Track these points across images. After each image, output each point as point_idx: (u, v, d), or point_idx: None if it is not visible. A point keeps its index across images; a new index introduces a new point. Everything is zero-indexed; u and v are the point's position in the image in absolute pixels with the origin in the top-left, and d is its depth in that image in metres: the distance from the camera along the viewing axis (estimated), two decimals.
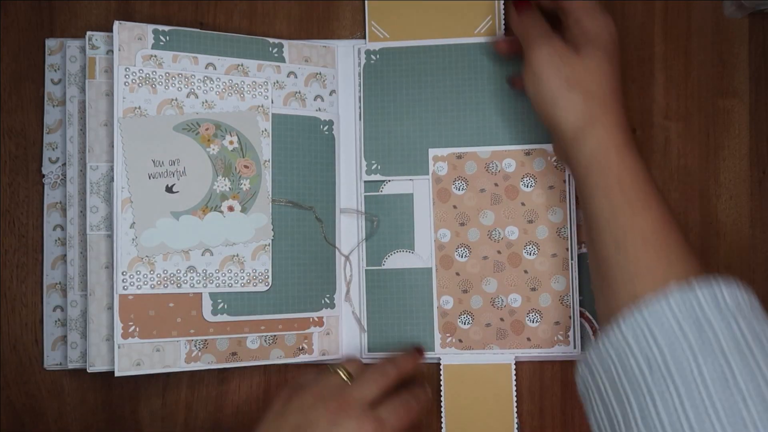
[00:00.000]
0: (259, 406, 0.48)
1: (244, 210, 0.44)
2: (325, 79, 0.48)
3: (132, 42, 0.43)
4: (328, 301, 0.47)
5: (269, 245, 0.45)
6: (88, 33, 0.44)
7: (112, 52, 0.44)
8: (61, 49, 0.47)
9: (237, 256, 0.44)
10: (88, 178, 0.44)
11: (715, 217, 0.48)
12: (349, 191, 0.48)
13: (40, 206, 0.47)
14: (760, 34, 0.48)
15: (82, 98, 0.45)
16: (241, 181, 0.45)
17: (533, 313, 0.46)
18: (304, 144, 0.47)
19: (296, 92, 0.47)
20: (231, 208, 0.44)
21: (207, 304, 0.44)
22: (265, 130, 0.45)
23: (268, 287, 0.45)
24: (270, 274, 0.45)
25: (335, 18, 0.49)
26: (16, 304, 0.46)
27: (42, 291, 0.46)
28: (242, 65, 0.45)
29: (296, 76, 0.47)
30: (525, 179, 0.47)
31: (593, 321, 0.48)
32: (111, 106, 0.44)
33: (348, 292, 0.48)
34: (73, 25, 0.47)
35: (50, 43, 0.47)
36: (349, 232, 0.48)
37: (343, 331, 0.48)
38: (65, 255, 0.46)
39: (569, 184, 0.46)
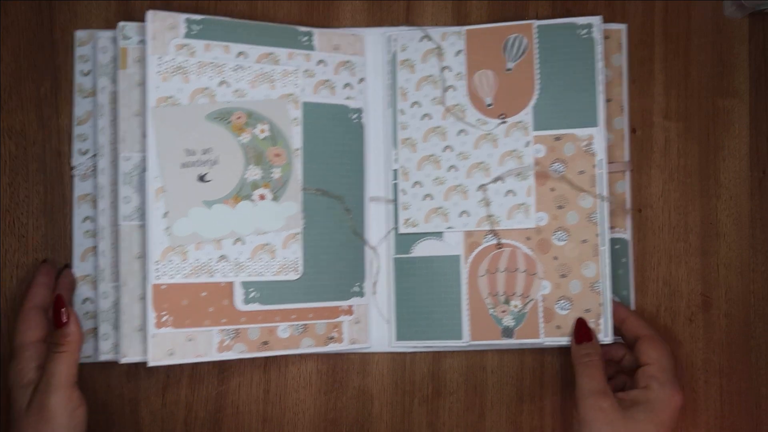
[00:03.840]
0: (259, 406, 0.47)
1: (275, 198, 0.44)
2: (354, 67, 0.47)
3: (164, 31, 0.43)
4: (357, 290, 0.47)
5: (300, 234, 0.45)
6: (120, 23, 0.44)
7: (144, 42, 0.44)
8: (90, 40, 0.47)
9: (268, 244, 0.44)
10: (121, 169, 0.44)
11: (715, 217, 0.48)
12: (377, 179, 0.48)
13: (40, 206, 0.46)
14: (760, 34, 0.49)
15: (113, 89, 0.45)
16: (272, 170, 0.44)
17: (563, 301, 0.46)
18: (334, 132, 0.47)
19: (326, 80, 0.47)
20: (262, 197, 0.44)
21: (239, 293, 0.44)
22: (296, 118, 0.45)
23: (298, 276, 0.45)
24: (301, 262, 0.45)
25: (335, 18, 0.49)
26: (16, 304, 0.46)
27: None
28: (273, 54, 0.45)
29: (326, 65, 0.47)
30: (555, 165, 0.46)
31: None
32: (143, 96, 0.44)
33: (375, 283, 0.47)
34: (73, 25, 0.47)
35: (80, 34, 0.47)
36: (378, 221, 0.48)
37: (372, 319, 0.47)
38: (95, 247, 0.46)
39: (598, 169, 0.46)
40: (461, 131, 0.47)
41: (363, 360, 0.48)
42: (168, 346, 0.42)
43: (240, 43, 0.44)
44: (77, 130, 0.47)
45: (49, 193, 0.47)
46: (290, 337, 0.45)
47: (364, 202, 0.47)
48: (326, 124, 0.46)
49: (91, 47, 0.47)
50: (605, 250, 0.45)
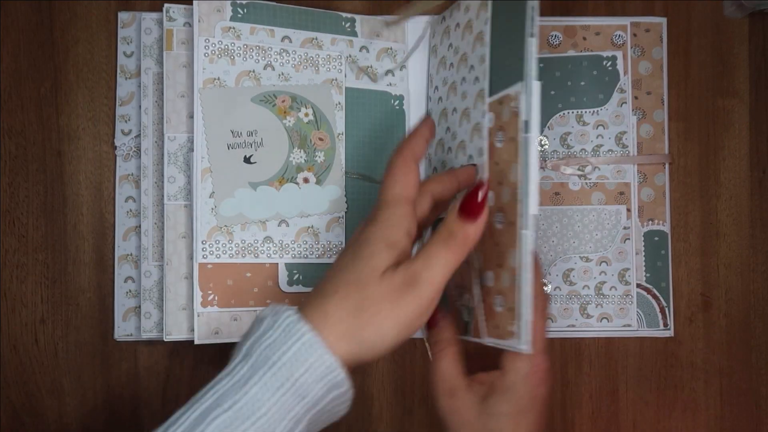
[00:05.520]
0: None
1: (318, 182, 0.45)
2: (396, 54, 0.48)
3: (211, 14, 0.43)
4: None
5: (343, 217, 0.46)
6: (166, 5, 0.44)
7: (189, 24, 0.44)
8: (134, 21, 0.47)
9: (312, 227, 0.45)
10: (166, 149, 0.44)
11: (715, 217, 0.49)
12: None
13: (40, 206, 0.46)
14: (760, 34, 0.49)
15: (157, 70, 0.46)
16: (316, 153, 0.45)
17: (499, 296, 0.35)
18: (376, 118, 0.47)
19: (368, 66, 0.47)
20: (306, 180, 0.45)
21: (283, 275, 0.44)
22: (339, 103, 0.46)
23: None
24: (344, 246, 0.45)
25: None
26: (16, 304, 0.46)
27: (114, 262, 0.47)
28: (317, 39, 0.46)
29: (368, 51, 0.47)
30: (498, 134, 0.36)
31: (660, 298, 0.48)
32: (188, 77, 0.44)
33: None
34: (73, 25, 0.47)
35: (123, 16, 0.47)
36: None
37: None
38: (137, 226, 0.46)
39: (523, 133, 0.33)
40: (454, 110, 0.42)
41: None
42: (214, 325, 0.43)
43: (284, 28, 0.45)
44: (119, 111, 0.47)
45: (49, 193, 0.47)
46: None
47: None
48: (368, 110, 0.47)
49: (135, 29, 0.47)
50: (527, 235, 0.32)
